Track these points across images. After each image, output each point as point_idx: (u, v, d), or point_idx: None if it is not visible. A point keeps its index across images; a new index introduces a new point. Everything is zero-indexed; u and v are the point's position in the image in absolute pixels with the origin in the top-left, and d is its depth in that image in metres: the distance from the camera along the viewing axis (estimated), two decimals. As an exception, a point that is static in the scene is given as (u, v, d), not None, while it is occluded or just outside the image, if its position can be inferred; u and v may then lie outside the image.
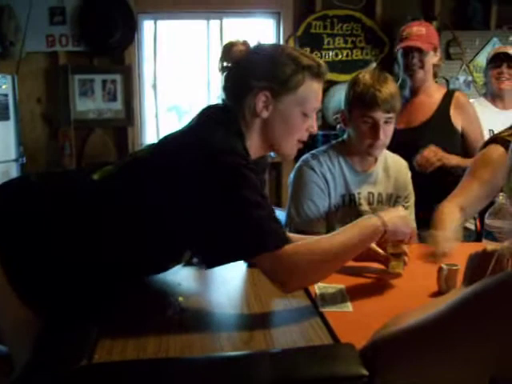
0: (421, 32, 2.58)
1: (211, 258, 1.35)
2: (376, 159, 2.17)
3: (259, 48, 1.51)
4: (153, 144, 1.53)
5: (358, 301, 1.45)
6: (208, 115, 1.49)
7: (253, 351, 1.18)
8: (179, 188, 1.32)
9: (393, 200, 2.20)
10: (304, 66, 1.45)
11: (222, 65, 1.51)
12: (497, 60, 2.93)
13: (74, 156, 4.17)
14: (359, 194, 2.14)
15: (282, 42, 4.30)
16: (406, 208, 2.22)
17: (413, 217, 2.25)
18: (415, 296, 1.50)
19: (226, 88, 1.52)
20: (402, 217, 1.53)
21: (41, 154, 4.16)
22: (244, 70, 1.47)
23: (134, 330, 1.27)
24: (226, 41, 1.54)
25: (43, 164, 4.14)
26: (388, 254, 1.61)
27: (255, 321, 1.34)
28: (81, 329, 1.29)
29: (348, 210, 2.14)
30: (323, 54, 4.27)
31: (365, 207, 2.15)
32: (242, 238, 1.29)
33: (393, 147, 2.19)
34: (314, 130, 1.54)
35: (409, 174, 2.26)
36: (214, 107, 1.53)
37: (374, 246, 1.62)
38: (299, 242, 1.36)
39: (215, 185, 1.29)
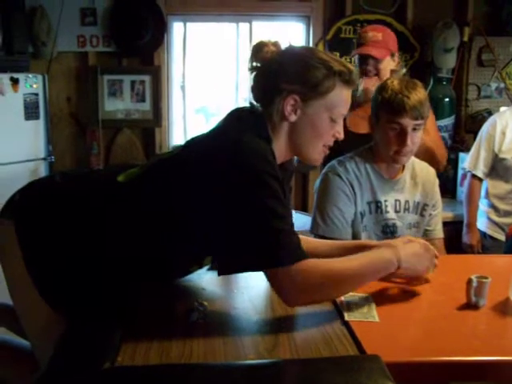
0: (376, 38, 2.54)
1: (224, 265, 1.34)
2: (403, 166, 2.14)
3: (290, 49, 1.49)
4: (179, 146, 1.53)
5: (385, 311, 1.42)
6: (236, 118, 1.48)
7: (277, 360, 1.17)
8: (205, 192, 1.31)
9: (420, 208, 2.17)
10: (335, 72, 1.43)
11: (252, 64, 1.49)
12: None
13: (102, 155, 4.20)
14: (386, 201, 2.12)
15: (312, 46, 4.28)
16: (433, 217, 2.19)
17: (440, 226, 2.22)
18: (443, 308, 1.48)
19: (254, 89, 1.51)
20: (418, 255, 1.51)
21: (69, 153, 4.20)
22: (274, 71, 1.45)
23: (157, 334, 1.27)
24: (254, 43, 1.53)
25: (71, 163, 4.17)
26: None
27: (279, 328, 1.33)
28: (105, 331, 1.29)
29: (374, 217, 2.11)
30: (353, 59, 4.22)
31: (391, 215, 2.12)
32: (258, 249, 1.28)
33: (347, 151, 2.18)
34: (341, 135, 1.52)
35: (437, 182, 2.23)
36: (242, 109, 1.52)
37: None
38: (312, 260, 1.34)
39: (240, 191, 1.28)
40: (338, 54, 4.22)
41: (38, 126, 3.80)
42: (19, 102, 3.68)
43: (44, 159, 3.84)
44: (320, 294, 1.36)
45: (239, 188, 1.28)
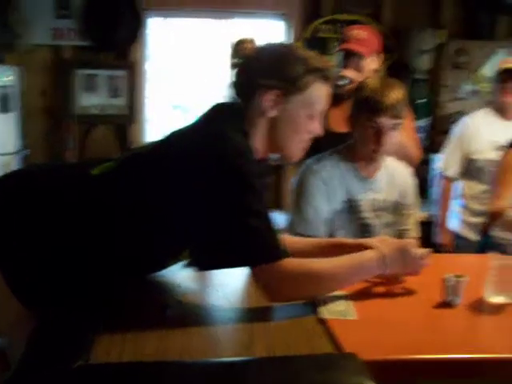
0: (361, 36, 2.56)
1: (207, 261, 1.34)
2: (380, 165, 2.15)
3: (269, 46, 1.50)
4: (156, 141, 1.51)
5: (363, 309, 1.42)
6: (217, 112, 1.47)
7: (253, 357, 1.16)
8: (185, 187, 1.30)
9: (396, 207, 2.17)
10: (314, 68, 1.44)
11: (232, 61, 1.50)
12: (504, 75, 2.92)
13: (77, 150, 4.13)
14: (362, 200, 2.12)
15: (289, 44, 4.28)
16: (409, 216, 2.20)
17: (415, 226, 2.23)
18: (419, 306, 1.49)
19: (234, 85, 1.51)
20: (404, 253, 1.51)
21: (43, 148, 4.12)
22: (253, 67, 1.46)
23: (132, 331, 1.25)
24: (233, 40, 1.53)
25: (45, 157, 4.09)
26: None
27: (256, 326, 1.32)
28: (78, 328, 1.27)
29: (351, 215, 2.11)
30: (331, 58, 4.23)
31: (368, 214, 2.12)
32: (242, 247, 1.28)
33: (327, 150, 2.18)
34: (319, 132, 1.52)
35: (413, 182, 2.24)
36: (223, 104, 1.51)
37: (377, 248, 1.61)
38: (297, 259, 1.35)
39: (220, 188, 1.28)
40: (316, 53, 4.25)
41: (11, 120, 3.73)
42: (-8, 95, 3.61)
43: (16, 153, 3.77)
44: (305, 292, 1.37)
45: (220, 184, 1.28)
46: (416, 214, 2.26)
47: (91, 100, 4.14)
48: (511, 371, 1.27)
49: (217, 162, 1.28)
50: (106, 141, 4.19)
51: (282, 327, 1.32)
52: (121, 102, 4.19)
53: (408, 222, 2.22)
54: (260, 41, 1.51)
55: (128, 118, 4.21)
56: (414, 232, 2.24)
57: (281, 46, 1.52)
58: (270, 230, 1.31)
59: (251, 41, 1.48)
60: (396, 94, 2.00)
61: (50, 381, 1.11)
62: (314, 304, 1.42)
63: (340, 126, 2.41)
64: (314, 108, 1.47)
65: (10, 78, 3.70)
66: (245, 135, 1.40)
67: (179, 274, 1.59)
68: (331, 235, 2.09)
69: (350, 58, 2.55)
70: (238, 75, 1.50)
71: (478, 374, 1.27)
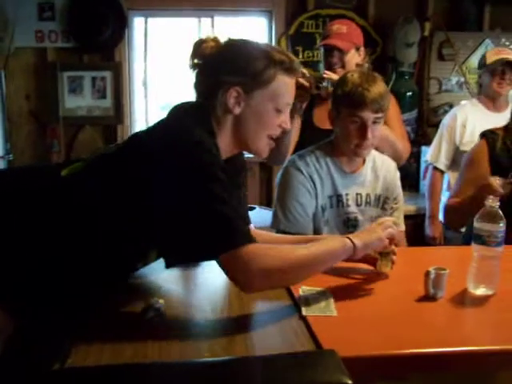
0: (341, 30, 2.57)
1: (173, 256, 1.30)
2: (364, 160, 2.14)
3: (229, 43, 1.48)
4: (123, 141, 1.50)
5: (343, 305, 1.41)
6: (182, 111, 1.46)
7: (231, 357, 1.15)
8: (147, 182, 1.28)
9: (381, 201, 2.17)
10: (276, 61, 1.42)
11: (193, 62, 1.47)
12: (499, 66, 2.91)
13: (63, 153, 4.11)
14: (347, 195, 2.11)
15: (273, 41, 4.27)
16: (394, 210, 2.19)
17: (401, 219, 2.22)
18: (401, 301, 1.48)
19: (196, 85, 1.49)
20: (370, 230, 1.50)
21: (29, 152, 4.09)
22: (214, 65, 1.44)
23: (111, 334, 1.24)
24: (194, 40, 1.51)
25: (31, 161, 4.07)
26: (375, 253, 1.59)
27: (236, 325, 1.31)
28: (54, 332, 1.25)
29: (336, 211, 2.11)
30: (315, 53, 4.23)
31: (353, 208, 2.12)
32: (208, 236, 1.25)
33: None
34: (287, 126, 1.50)
35: (397, 175, 2.24)
36: (187, 103, 1.50)
37: None
38: (266, 244, 1.33)
39: (186, 181, 1.26)
40: (300, 49, 4.24)
41: (-5, 123, 3.71)
42: (-25, 99, 3.59)
43: (1, 158, 3.75)
44: (276, 279, 1.32)
45: (186, 177, 1.26)
46: (401, 208, 2.25)
47: (77, 102, 4.12)
48: (494, 363, 1.27)
49: (179, 154, 1.27)
50: (93, 142, 4.16)
51: (262, 326, 1.31)
52: (107, 103, 4.17)
53: (393, 216, 2.21)
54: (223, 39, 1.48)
55: (115, 119, 4.19)
56: (399, 226, 2.23)
57: (241, 41, 1.49)
58: (234, 218, 1.27)
59: (213, 39, 1.45)
60: (378, 87, 1.99)
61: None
62: (294, 302, 1.41)
63: (325, 123, 2.41)
64: (279, 101, 1.45)
65: (-6, 81, 3.68)
66: (211, 134, 1.38)
67: (160, 275, 1.58)
68: (316, 231, 2.08)
69: (332, 53, 2.55)
70: (199, 75, 1.48)
71: (461, 368, 1.27)
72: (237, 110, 1.42)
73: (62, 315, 1.30)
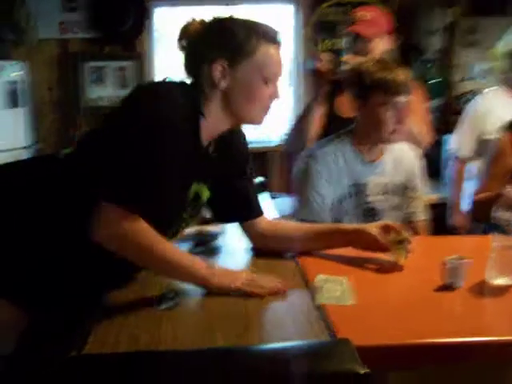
0: (365, 17, 2.53)
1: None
2: (384, 148, 2.12)
3: (213, 21, 1.46)
4: None
5: (360, 294, 1.40)
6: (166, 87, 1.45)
7: (246, 346, 1.15)
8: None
9: (401, 190, 2.15)
10: (258, 32, 1.41)
11: (181, 44, 1.46)
12: None
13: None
14: (367, 184, 2.09)
15: (299, 29, 4.26)
16: (414, 199, 2.17)
17: (421, 208, 2.20)
18: (419, 290, 1.46)
19: (184, 66, 1.48)
20: (236, 276, 1.43)
21: (52, 142, 4.16)
22: (198, 43, 1.43)
23: (126, 322, 1.25)
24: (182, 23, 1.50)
25: (54, 151, 4.12)
26: (389, 242, 1.57)
27: (251, 313, 1.30)
28: (71, 320, 1.27)
29: (356, 200, 2.09)
30: (339, 41, 4.19)
31: (373, 198, 2.10)
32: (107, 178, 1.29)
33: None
34: (278, 96, 1.48)
35: (418, 164, 2.21)
36: (174, 83, 1.49)
37: (375, 234, 1.59)
38: (144, 224, 1.31)
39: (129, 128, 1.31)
40: (324, 37, 4.20)
41: (19, 115, 3.75)
42: (0, 91, 3.62)
43: (25, 148, 3.79)
44: (127, 249, 1.33)
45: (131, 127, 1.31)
46: (423, 197, 2.23)
47: (99, 92, 4.16)
48: (513, 354, 1.25)
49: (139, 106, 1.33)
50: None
51: (276, 315, 1.31)
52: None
53: (415, 205, 2.19)
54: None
55: (137, 108, 4.21)
56: (421, 215, 2.21)
57: (224, 18, 1.47)
58: (144, 180, 1.29)
59: (201, 22, 1.44)
60: (403, 71, 2.00)
61: (44, 371, 1.12)
62: (310, 290, 1.41)
63: (345, 112, 2.39)
64: (265, 71, 1.42)
65: (18, 73, 3.71)
66: (195, 109, 1.39)
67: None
68: (337, 220, 2.07)
69: (356, 40, 2.52)
70: (186, 55, 1.47)
71: (479, 358, 1.25)
72: (223, 84, 1.40)
73: (76, 304, 1.32)
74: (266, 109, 1.47)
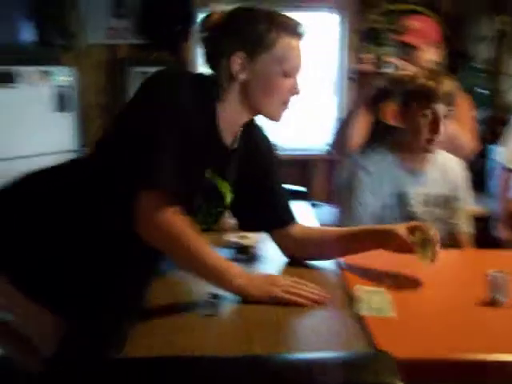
0: (415, 26, 2.50)
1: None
2: (429, 158, 2.09)
3: (231, 12, 1.44)
4: None
5: (400, 306, 1.38)
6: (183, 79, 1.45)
7: (283, 354, 1.14)
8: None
9: (445, 201, 2.11)
10: (278, 23, 1.38)
11: (200, 36, 1.45)
12: None
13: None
14: (411, 194, 2.06)
15: (345, 38, 4.25)
16: (457, 211, 2.13)
17: (465, 220, 2.16)
18: (461, 304, 1.43)
19: (204, 59, 1.47)
20: (268, 281, 1.40)
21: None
22: (216, 35, 1.42)
23: (163, 327, 1.26)
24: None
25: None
26: (414, 243, 1.53)
27: (289, 320, 1.30)
28: (111, 323, 1.28)
29: (398, 210, 2.07)
30: (386, 49, 4.16)
31: (416, 208, 2.07)
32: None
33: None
34: (298, 91, 1.45)
35: (464, 175, 2.17)
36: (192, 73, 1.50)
37: (403, 234, 1.54)
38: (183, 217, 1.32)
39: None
40: (370, 45, 4.17)
41: (67, 119, 3.83)
42: (49, 95, 3.71)
43: (74, 151, 3.87)
44: (165, 241, 1.34)
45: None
46: (468, 209, 2.19)
47: (146, 97, 4.20)
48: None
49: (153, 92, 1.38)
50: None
51: (316, 324, 1.29)
52: (175, 98, 4.23)
53: (459, 217, 2.15)
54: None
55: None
56: (465, 227, 2.16)
57: (243, 9, 1.44)
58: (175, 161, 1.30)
59: (220, 13, 1.43)
60: (448, 81, 1.97)
61: (84, 374, 1.13)
62: (349, 300, 1.39)
63: (392, 119, 2.36)
64: (285, 65, 1.40)
65: (67, 77, 3.80)
66: (211, 100, 1.40)
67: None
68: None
69: (406, 49, 2.50)
70: (205, 48, 1.46)
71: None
72: (242, 77, 1.39)
73: (114, 307, 1.33)
74: (284, 103, 1.45)
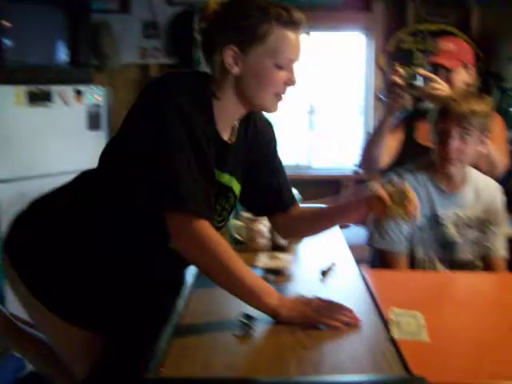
0: (447, 48, 2.46)
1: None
2: (466, 180, 2.07)
3: (225, 3, 1.40)
4: None
5: (435, 330, 1.36)
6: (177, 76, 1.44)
7: (318, 377, 1.14)
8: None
9: (481, 224, 2.07)
10: (271, 15, 1.34)
11: (200, 27, 1.42)
12: None
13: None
14: (445, 215, 2.04)
15: (372, 58, 4.25)
16: (493, 234, 2.09)
17: (501, 244, 2.12)
18: (497, 328, 1.41)
19: (201, 51, 1.45)
20: (305, 302, 1.40)
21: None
22: (209, 28, 1.39)
23: (201, 346, 1.26)
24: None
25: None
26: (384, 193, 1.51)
27: (325, 342, 1.30)
28: (147, 341, 1.29)
29: (433, 232, 2.04)
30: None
31: (451, 230, 2.04)
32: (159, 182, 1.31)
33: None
34: (293, 82, 1.41)
35: (500, 198, 2.14)
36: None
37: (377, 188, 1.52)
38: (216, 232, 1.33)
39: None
40: (399, 65, 4.16)
41: (100, 137, 3.89)
42: (83, 113, 3.78)
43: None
44: (201, 261, 1.34)
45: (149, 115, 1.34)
46: (504, 232, 2.15)
47: (176, 116, 4.25)
48: None
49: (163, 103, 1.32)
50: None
51: (351, 346, 1.28)
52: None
53: (494, 240, 2.11)
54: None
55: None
56: (500, 250, 2.12)
57: (238, 0, 1.41)
58: (191, 176, 1.29)
59: (216, 4, 1.40)
60: (473, 105, 1.94)
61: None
62: (384, 323, 1.38)
63: (426, 139, 2.36)
64: (279, 56, 1.36)
65: (100, 96, 3.86)
66: (205, 97, 1.38)
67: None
68: (412, 251, 2.04)
69: (438, 71, 2.48)
70: (201, 39, 1.43)
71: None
72: (235, 70, 1.37)
73: (155, 324, 1.34)
74: (279, 95, 1.42)
